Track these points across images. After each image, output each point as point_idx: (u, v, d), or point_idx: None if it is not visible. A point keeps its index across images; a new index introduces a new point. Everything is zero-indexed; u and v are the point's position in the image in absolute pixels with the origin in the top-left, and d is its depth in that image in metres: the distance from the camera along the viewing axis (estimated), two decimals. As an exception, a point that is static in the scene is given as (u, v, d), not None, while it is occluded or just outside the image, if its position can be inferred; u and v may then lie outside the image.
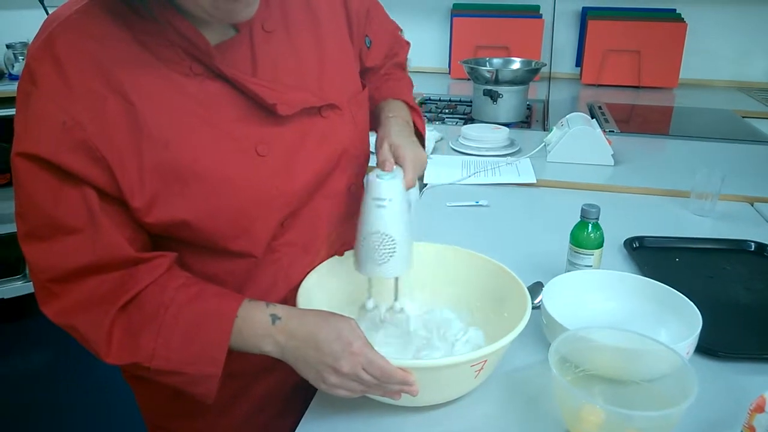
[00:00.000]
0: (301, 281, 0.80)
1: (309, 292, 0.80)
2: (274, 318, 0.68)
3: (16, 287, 2.30)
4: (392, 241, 0.74)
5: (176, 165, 0.66)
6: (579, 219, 0.97)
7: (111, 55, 0.63)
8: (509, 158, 1.67)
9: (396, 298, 0.82)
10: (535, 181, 1.49)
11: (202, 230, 0.69)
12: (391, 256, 0.75)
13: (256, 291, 0.77)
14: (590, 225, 0.95)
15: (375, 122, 0.91)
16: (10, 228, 2.73)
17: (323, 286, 0.83)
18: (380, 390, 0.68)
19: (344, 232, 0.86)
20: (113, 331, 0.65)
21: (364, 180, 0.77)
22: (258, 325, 0.68)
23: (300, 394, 0.80)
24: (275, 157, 0.72)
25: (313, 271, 0.82)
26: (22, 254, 0.66)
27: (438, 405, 0.75)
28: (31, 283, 2.15)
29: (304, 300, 0.77)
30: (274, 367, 0.75)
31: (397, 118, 0.87)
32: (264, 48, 0.72)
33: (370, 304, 0.82)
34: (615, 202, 1.37)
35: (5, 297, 2.30)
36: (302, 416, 0.74)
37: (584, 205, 0.96)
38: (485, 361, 0.70)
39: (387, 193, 0.74)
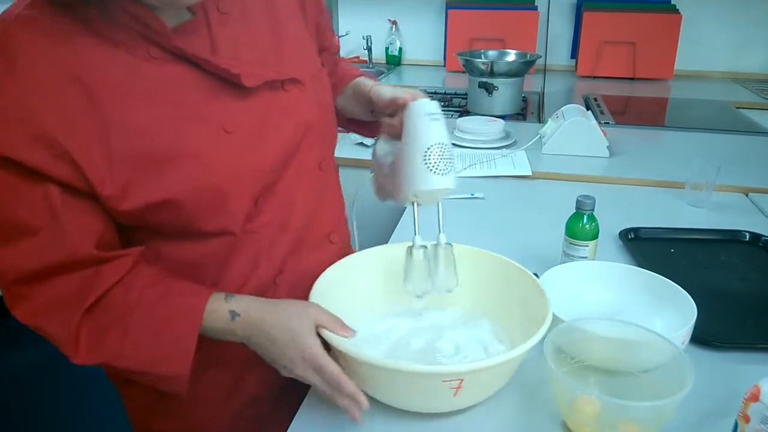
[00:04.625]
0: (311, 284, 0.79)
1: (320, 295, 0.78)
2: (233, 314, 0.70)
3: None
4: (450, 151, 0.75)
5: (145, 150, 0.65)
6: (574, 210, 0.97)
7: (66, 46, 0.62)
8: (504, 150, 1.67)
9: (441, 230, 0.80)
10: (530, 173, 1.49)
11: (178, 211, 0.69)
12: (452, 166, 0.75)
13: (237, 274, 0.77)
14: (585, 216, 0.95)
15: (354, 102, 0.93)
16: None
17: (335, 289, 0.81)
18: (333, 395, 0.69)
19: (321, 212, 0.85)
20: (80, 332, 0.65)
21: (405, 111, 0.77)
22: (219, 321, 0.70)
23: (295, 385, 0.80)
24: (243, 133, 0.71)
25: (322, 275, 0.81)
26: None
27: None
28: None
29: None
30: None
31: (380, 85, 0.88)
32: (221, 29, 0.72)
33: (418, 240, 0.79)
34: (610, 194, 1.37)
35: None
36: (297, 409, 0.75)
37: (579, 196, 0.96)
38: (461, 380, 0.66)
39: (436, 108, 0.76)
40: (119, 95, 0.64)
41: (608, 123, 1.96)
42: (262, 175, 0.74)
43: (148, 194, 0.66)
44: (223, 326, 0.70)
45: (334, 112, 0.89)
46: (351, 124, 1.01)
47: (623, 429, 0.66)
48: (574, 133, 1.61)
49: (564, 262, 0.97)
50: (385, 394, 0.72)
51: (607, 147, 1.62)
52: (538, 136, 1.70)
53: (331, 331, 0.69)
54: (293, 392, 0.80)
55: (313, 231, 0.84)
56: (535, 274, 0.97)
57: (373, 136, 0.95)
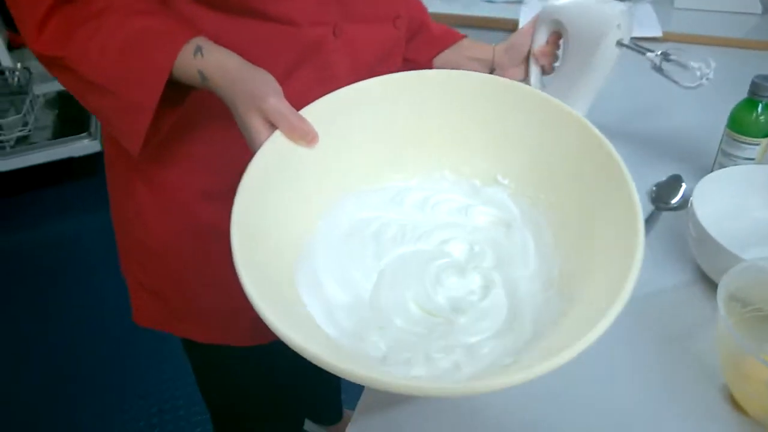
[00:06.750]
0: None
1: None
2: (202, 77, 0.60)
3: (84, 145, 2.24)
4: None
5: None
6: (745, 96, 0.74)
7: None
8: (627, 3, 1.36)
9: None
10: (660, 35, 1.22)
11: None
12: None
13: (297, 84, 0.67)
14: (761, 105, 0.72)
15: (470, 61, 0.84)
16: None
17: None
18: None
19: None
20: (50, 19, 0.60)
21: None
22: (191, 79, 0.61)
23: None
24: None
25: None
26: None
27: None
28: (97, 141, 2.00)
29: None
30: None
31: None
32: None
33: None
34: (766, 66, 1.09)
35: (75, 155, 2.26)
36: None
37: (756, 77, 0.73)
38: None
39: None
40: None
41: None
42: None
43: None
44: (195, 84, 0.62)
45: None
46: None
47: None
48: (720, -18, 1.29)
49: (721, 164, 0.76)
50: None
51: (761, 0, 1.29)
52: (670, -15, 1.38)
53: (283, 132, 0.57)
54: None
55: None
56: (678, 176, 0.78)
57: None
